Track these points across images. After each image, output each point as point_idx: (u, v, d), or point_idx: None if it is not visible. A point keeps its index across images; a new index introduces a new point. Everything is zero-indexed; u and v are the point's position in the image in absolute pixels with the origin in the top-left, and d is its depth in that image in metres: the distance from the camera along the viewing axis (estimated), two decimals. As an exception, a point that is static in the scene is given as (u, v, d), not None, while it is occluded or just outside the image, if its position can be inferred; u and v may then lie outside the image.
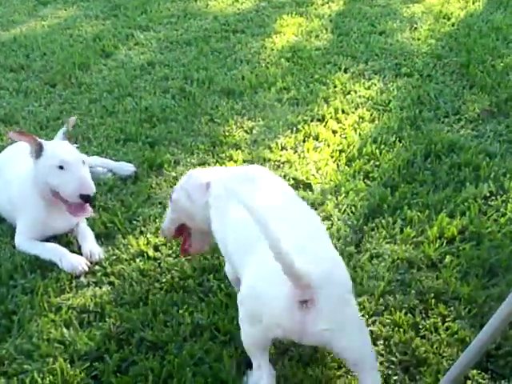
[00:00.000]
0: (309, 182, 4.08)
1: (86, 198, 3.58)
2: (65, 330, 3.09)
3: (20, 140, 3.81)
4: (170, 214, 3.17)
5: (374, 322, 3.04)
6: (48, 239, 3.74)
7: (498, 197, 3.85)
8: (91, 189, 3.59)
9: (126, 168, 4.29)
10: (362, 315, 3.02)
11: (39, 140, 3.69)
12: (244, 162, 4.33)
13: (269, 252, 2.26)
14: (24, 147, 3.77)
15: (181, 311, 3.15)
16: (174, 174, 4.25)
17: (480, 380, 2.73)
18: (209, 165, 4.29)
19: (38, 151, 3.66)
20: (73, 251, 3.61)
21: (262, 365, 2.67)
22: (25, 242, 3.69)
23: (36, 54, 6.43)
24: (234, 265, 2.82)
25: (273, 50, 6.14)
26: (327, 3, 7.36)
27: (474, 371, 2.74)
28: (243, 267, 2.65)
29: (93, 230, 3.79)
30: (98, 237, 3.74)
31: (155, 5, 7.74)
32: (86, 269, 3.48)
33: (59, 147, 3.70)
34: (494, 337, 2.50)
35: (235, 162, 4.31)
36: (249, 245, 2.59)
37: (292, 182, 4.07)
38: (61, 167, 3.60)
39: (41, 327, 3.12)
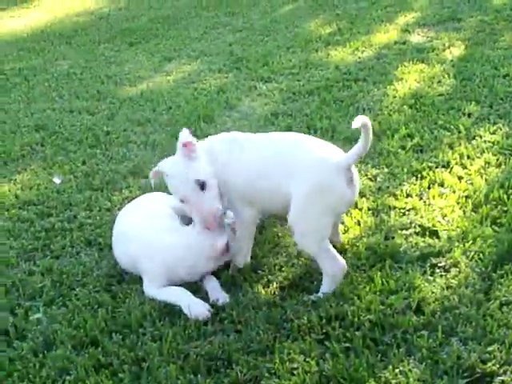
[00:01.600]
0: (435, 228, 4.02)
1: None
2: (193, 377, 3.13)
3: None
4: None
5: (505, 372, 2.95)
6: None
7: None
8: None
9: None
10: (493, 364, 2.96)
11: None
12: (369, 209, 4.31)
13: None
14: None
15: (307, 359, 3.14)
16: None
17: None
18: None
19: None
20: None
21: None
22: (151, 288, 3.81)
23: (162, 108, 6.63)
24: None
25: (395, 97, 6.13)
26: (448, 48, 7.31)
27: None
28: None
29: (219, 279, 3.84)
30: (224, 285, 3.79)
31: (277, 56, 7.87)
32: (209, 316, 3.53)
33: None
34: None
35: (360, 210, 4.30)
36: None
37: (418, 229, 4.04)
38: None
39: (169, 374, 3.16)
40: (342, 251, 3.90)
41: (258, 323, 3.43)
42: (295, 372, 3.09)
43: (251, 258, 3.95)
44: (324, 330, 3.32)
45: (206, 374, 3.17)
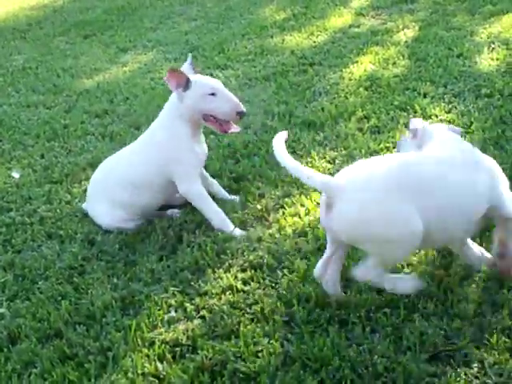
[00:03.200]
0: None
1: (241, 114, 4.22)
2: (159, 364, 3.15)
3: (172, 79, 4.21)
4: None
5: (467, 346, 3.00)
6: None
7: None
8: (243, 106, 4.25)
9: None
10: (459, 339, 3.02)
11: (186, 75, 4.22)
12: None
13: None
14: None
15: (271, 341, 3.17)
16: (259, 206, 4.29)
17: None
18: (294, 196, 4.32)
19: (186, 85, 4.18)
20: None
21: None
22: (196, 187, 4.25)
23: (119, 99, 6.61)
24: None
25: (351, 80, 6.17)
26: (402, 30, 7.37)
27: None
28: None
29: (185, 266, 3.86)
30: (187, 271, 3.81)
31: (232, 44, 7.87)
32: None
33: (204, 78, 4.34)
34: None
35: (320, 193, 4.32)
36: None
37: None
38: (212, 94, 4.17)
39: (135, 362, 3.17)
40: (302, 234, 3.94)
41: (221, 308, 3.45)
42: (260, 354, 3.11)
43: (214, 243, 3.98)
44: (288, 312, 3.35)
45: (171, 360, 3.18)
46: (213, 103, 4.18)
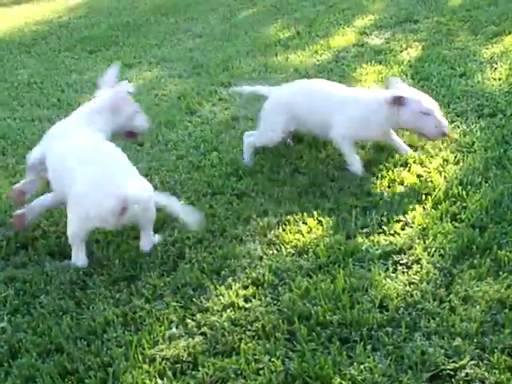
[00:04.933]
0: (396, 226, 4.07)
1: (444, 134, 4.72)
2: (159, 381, 3.15)
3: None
4: None
5: (469, 365, 2.99)
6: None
7: None
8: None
9: None
10: (460, 358, 3.01)
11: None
12: (330, 209, 4.35)
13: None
14: None
15: (273, 359, 3.17)
16: (261, 223, 4.30)
17: None
18: (296, 214, 4.33)
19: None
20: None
21: (79, 249, 4.14)
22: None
23: (123, 115, 6.61)
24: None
25: (355, 98, 6.17)
26: (405, 49, 7.40)
27: None
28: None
29: (187, 283, 3.85)
30: (188, 286, 3.81)
31: (236, 61, 7.91)
32: None
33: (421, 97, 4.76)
34: None
35: (322, 210, 4.34)
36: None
37: (379, 227, 4.08)
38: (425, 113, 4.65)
39: (136, 378, 3.17)
40: (303, 251, 3.95)
41: (222, 325, 3.45)
42: (261, 372, 3.11)
43: (215, 260, 3.99)
44: (289, 330, 3.35)
45: (172, 377, 3.18)
46: (422, 122, 4.68)
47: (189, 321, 3.54)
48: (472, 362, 3.00)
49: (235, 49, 8.56)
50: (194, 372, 3.19)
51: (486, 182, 4.39)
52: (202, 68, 7.86)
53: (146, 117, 4.86)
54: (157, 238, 4.27)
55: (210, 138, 5.69)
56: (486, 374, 2.94)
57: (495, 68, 6.40)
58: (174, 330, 3.49)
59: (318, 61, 7.50)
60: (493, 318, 3.25)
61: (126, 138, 4.91)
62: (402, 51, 7.38)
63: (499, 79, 6.11)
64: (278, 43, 8.50)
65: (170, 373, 3.20)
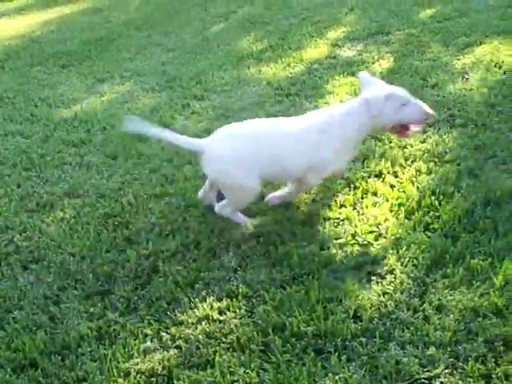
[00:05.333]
0: (370, 237, 4.09)
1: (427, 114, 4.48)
2: (134, 395, 3.14)
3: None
4: None
5: (443, 374, 3.01)
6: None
7: (562, 241, 3.82)
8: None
9: None
10: (434, 367, 3.03)
11: None
12: (304, 221, 4.36)
13: None
14: None
15: (247, 371, 3.16)
16: (235, 236, 4.29)
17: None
18: (269, 226, 4.33)
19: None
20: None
21: None
22: None
23: (96, 129, 6.61)
24: None
25: (327, 110, 6.19)
26: (378, 61, 7.45)
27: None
28: None
29: (161, 296, 3.84)
30: (162, 300, 3.80)
31: (209, 74, 7.92)
32: None
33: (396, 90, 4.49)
34: None
35: (295, 222, 4.34)
36: None
37: (353, 238, 4.10)
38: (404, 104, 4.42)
39: (110, 392, 3.17)
40: (277, 263, 3.95)
41: (197, 338, 3.44)
42: (236, 384, 3.12)
43: (189, 273, 3.98)
44: (264, 341, 3.35)
45: (147, 390, 3.18)
46: (403, 113, 4.45)
47: (163, 334, 3.53)
48: (446, 371, 3.03)
49: (208, 62, 8.57)
50: (168, 386, 3.19)
51: (459, 191, 4.42)
52: (175, 81, 7.86)
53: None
54: None
55: (183, 151, 5.68)
56: (460, 382, 2.96)
57: (466, 78, 6.45)
58: (148, 343, 3.48)
59: (291, 73, 7.52)
60: (466, 326, 3.27)
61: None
62: (374, 63, 7.42)
63: (470, 89, 6.15)
64: (251, 56, 8.52)
65: (144, 387, 3.20)
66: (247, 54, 8.67)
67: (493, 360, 3.05)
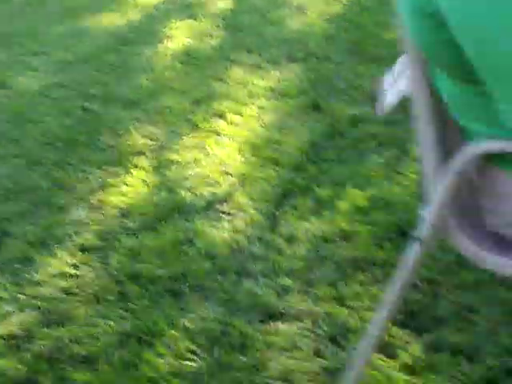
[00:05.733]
0: (217, 176, 4.12)
1: None
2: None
3: None
4: None
5: (297, 301, 3.10)
6: None
7: (402, 161, 3.95)
8: None
9: None
10: (288, 295, 3.11)
11: None
12: (152, 168, 4.35)
13: None
14: None
15: (108, 322, 3.16)
16: (84, 190, 4.25)
17: (402, 336, 2.81)
18: (117, 176, 4.30)
19: None
20: None
21: None
22: None
23: None
24: None
25: (166, 55, 6.15)
26: (216, 2, 7.42)
27: (395, 328, 2.83)
28: None
29: (14, 258, 3.76)
30: (17, 262, 3.72)
31: (45, 28, 7.68)
32: None
33: None
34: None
35: (143, 169, 4.33)
36: None
37: (201, 179, 4.12)
38: None
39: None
40: (128, 212, 3.94)
41: (54, 295, 3.41)
42: (97, 336, 3.10)
43: (39, 231, 3.92)
44: (120, 291, 3.35)
45: (7, 353, 3.11)
46: None
47: (19, 296, 3.47)
48: (300, 298, 3.11)
49: (43, 15, 8.31)
50: (29, 345, 3.13)
51: (303, 125, 4.50)
52: (8, 38, 7.60)
53: None
54: None
55: (23, 110, 5.53)
56: (313, 306, 3.05)
57: (305, 13, 6.53)
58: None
59: (128, 21, 7.39)
60: (317, 254, 3.36)
61: None
62: (213, 4, 7.39)
63: (310, 24, 6.23)
64: (87, 6, 8.32)
65: (4, 350, 3.13)
66: (82, 5, 8.44)
67: (343, 282, 3.16)
